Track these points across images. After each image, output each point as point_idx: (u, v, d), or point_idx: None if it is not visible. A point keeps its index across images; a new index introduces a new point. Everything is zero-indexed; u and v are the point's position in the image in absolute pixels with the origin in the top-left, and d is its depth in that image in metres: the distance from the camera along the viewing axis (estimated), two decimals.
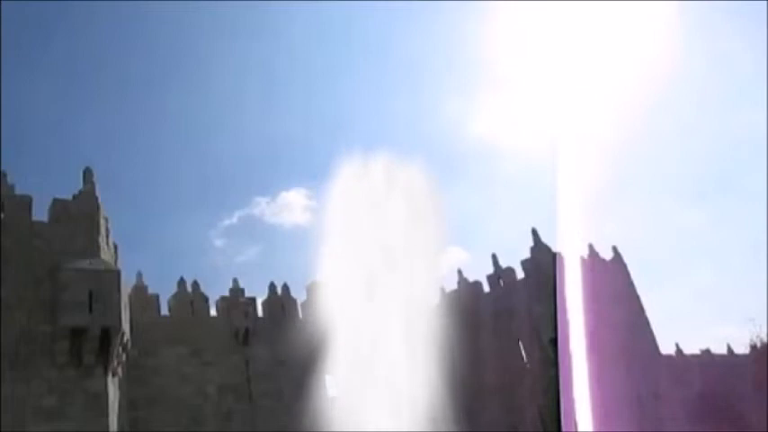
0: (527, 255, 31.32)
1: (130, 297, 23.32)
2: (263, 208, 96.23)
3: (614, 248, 35.03)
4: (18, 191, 19.65)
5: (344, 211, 29.83)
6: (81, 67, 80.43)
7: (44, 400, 16.80)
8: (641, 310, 33.20)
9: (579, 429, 21.92)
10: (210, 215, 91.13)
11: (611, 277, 32.42)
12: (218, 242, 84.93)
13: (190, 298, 27.40)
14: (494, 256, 33.11)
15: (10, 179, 19.75)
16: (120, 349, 19.29)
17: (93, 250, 19.56)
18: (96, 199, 20.74)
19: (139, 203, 78.90)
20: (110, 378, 18.35)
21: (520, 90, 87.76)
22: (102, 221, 20.76)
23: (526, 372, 29.58)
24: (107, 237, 21.51)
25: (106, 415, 17.42)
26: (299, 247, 77.72)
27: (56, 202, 19.96)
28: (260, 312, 28.98)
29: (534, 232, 31.32)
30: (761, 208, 65.98)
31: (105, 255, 20.31)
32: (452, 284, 34.59)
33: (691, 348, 37.61)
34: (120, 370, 19.99)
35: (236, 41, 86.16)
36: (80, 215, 20.03)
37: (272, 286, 30.20)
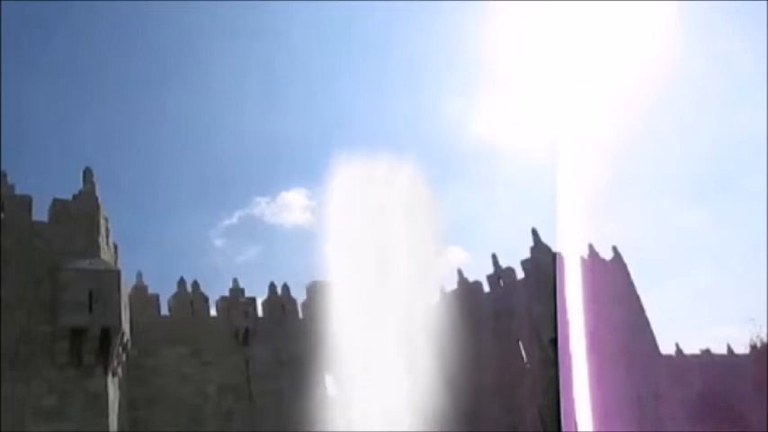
0: (527, 255, 31.32)
1: (130, 297, 23.32)
2: (263, 208, 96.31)
3: (614, 248, 35.03)
4: (18, 191, 19.63)
5: (344, 212, 29.86)
6: (81, 67, 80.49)
7: (44, 400, 16.80)
8: (641, 310, 33.19)
9: (579, 429, 21.93)
10: (210, 215, 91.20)
11: (611, 277, 32.41)
12: (218, 242, 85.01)
13: (190, 298, 27.40)
14: (494, 256, 33.14)
15: (10, 179, 19.74)
16: (120, 349, 19.30)
17: (93, 250, 19.56)
18: (96, 199, 20.73)
19: (139, 203, 78.92)
20: (110, 378, 18.35)
21: (520, 90, 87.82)
22: (102, 221, 20.76)
23: (526, 372, 29.57)
24: (107, 237, 21.51)
25: (106, 415, 17.43)
26: (299, 247, 77.71)
27: (56, 202, 19.95)
28: (260, 312, 28.96)
29: (534, 232, 31.33)
30: (761, 208, 65.99)
31: (105, 255, 20.31)
32: (452, 284, 34.63)
33: (691, 348, 37.66)
34: (120, 370, 19.99)
35: (236, 41, 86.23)
36: (80, 215, 20.03)
37: (272, 286, 30.19)
